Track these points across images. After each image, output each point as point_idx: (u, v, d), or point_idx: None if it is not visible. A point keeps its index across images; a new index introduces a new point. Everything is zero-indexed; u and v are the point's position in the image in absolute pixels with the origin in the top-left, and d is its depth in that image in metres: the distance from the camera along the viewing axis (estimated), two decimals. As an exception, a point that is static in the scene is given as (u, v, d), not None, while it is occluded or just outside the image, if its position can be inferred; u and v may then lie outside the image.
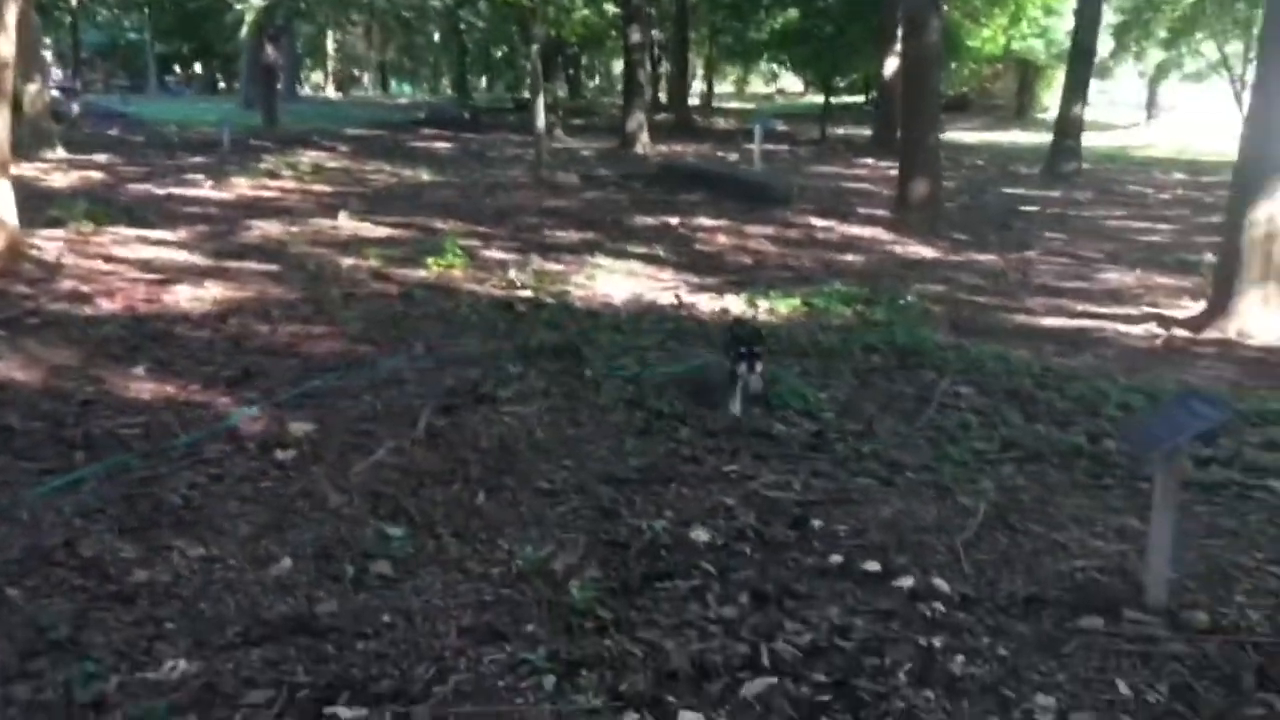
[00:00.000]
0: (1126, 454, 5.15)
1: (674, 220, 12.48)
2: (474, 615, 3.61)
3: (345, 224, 11.54)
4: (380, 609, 3.63)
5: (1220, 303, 8.22)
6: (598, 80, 59.14)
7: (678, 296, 8.85)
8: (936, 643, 3.45)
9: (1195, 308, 8.79)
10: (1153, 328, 8.45)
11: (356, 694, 3.14)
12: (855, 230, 12.70)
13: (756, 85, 62.42)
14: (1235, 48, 26.69)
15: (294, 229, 11.18)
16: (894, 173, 14.69)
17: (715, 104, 44.91)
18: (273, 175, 16.37)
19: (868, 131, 27.68)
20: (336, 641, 3.42)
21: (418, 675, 3.25)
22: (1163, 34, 29.17)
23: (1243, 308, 8.04)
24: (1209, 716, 3.11)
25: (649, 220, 12.50)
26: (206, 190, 14.49)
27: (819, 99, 33.25)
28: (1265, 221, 8.05)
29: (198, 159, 18.69)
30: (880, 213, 13.85)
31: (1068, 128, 21.27)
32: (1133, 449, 4.80)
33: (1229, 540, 4.37)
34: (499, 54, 40.38)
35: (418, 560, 3.99)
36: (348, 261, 9.44)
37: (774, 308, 8.49)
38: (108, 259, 9.23)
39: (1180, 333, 8.26)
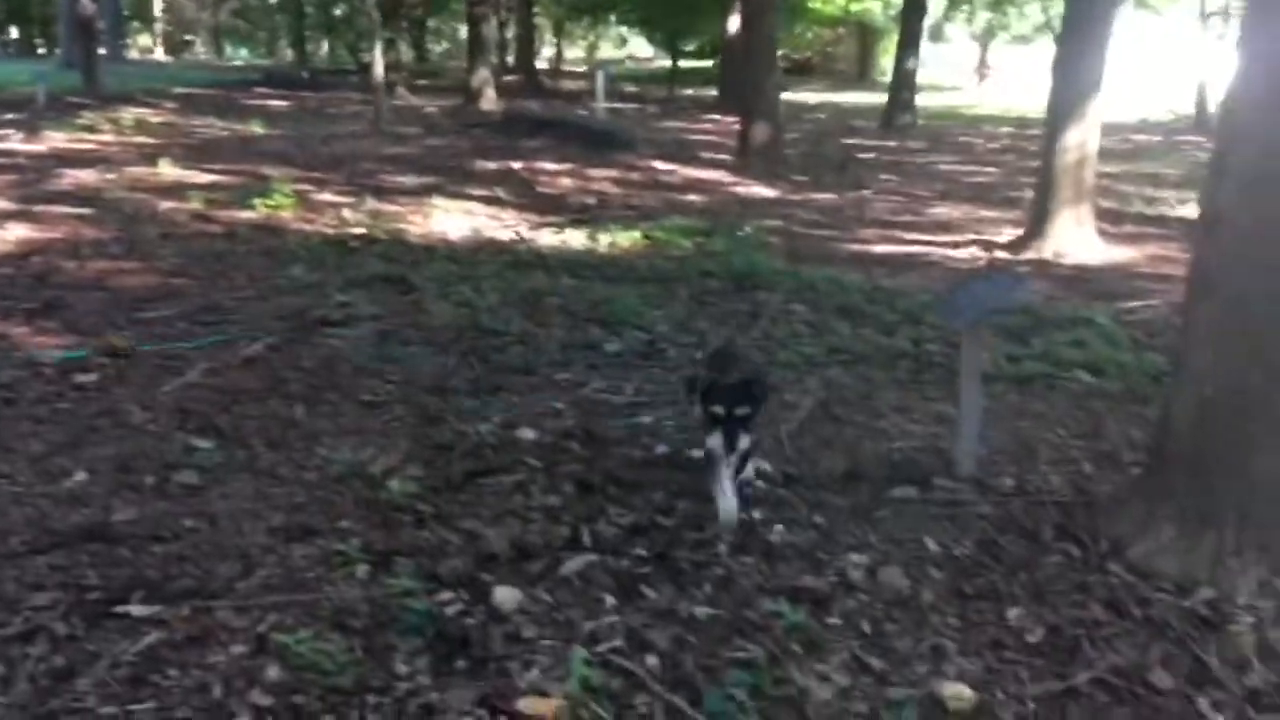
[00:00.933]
0: (945, 338, 5.34)
1: (516, 165, 12.30)
2: (285, 516, 3.46)
3: (167, 171, 10.93)
4: (182, 515, 3.44)
5: (1037, 225, 8.61)
6: (445, 46, 57.82)
7: (518, 233, 8.72)
8: (757, 515, 3.49)
9: (1016, 234, 9.17)
10: (976, 251, 8.78)
11: (152, 593, 2.97)
12: (698, 173, 12.78)
13: (607, 51, 62.16)
14: (1058, 9, 27.94)
15: (111, 176, 10.52)
16: (739, 126, 14.84)
17: (564, 68, 44.49)
18: (92, 129, 15.37)
19: (715, 92, 27.88)
20: (133, 546, 3.24)
21: (220, 573, 3.10)
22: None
23: (1057, 228, 8.44)
24: (1010, 565, 3.24)
25: (490, 165, 12.29)
26: (15, 144, 13.51)
27: (669, 64, 33.31)
28: (1076, 148, 8.45)
29: (9, 116, 17.38)
30: (723, 158, 14.00)
31: (902, 82, 21.94)
32: (944, 321, 4.96)
33: (1036, 421, 4.58)
34: (338, 12, 38.95)
35: (226, 469, 3.80)
36: (168, 205, 8.95)
37: (615, 241, 8.46)
38: (-103, 206, 8.51)
39: (1001, 254, 8.61)
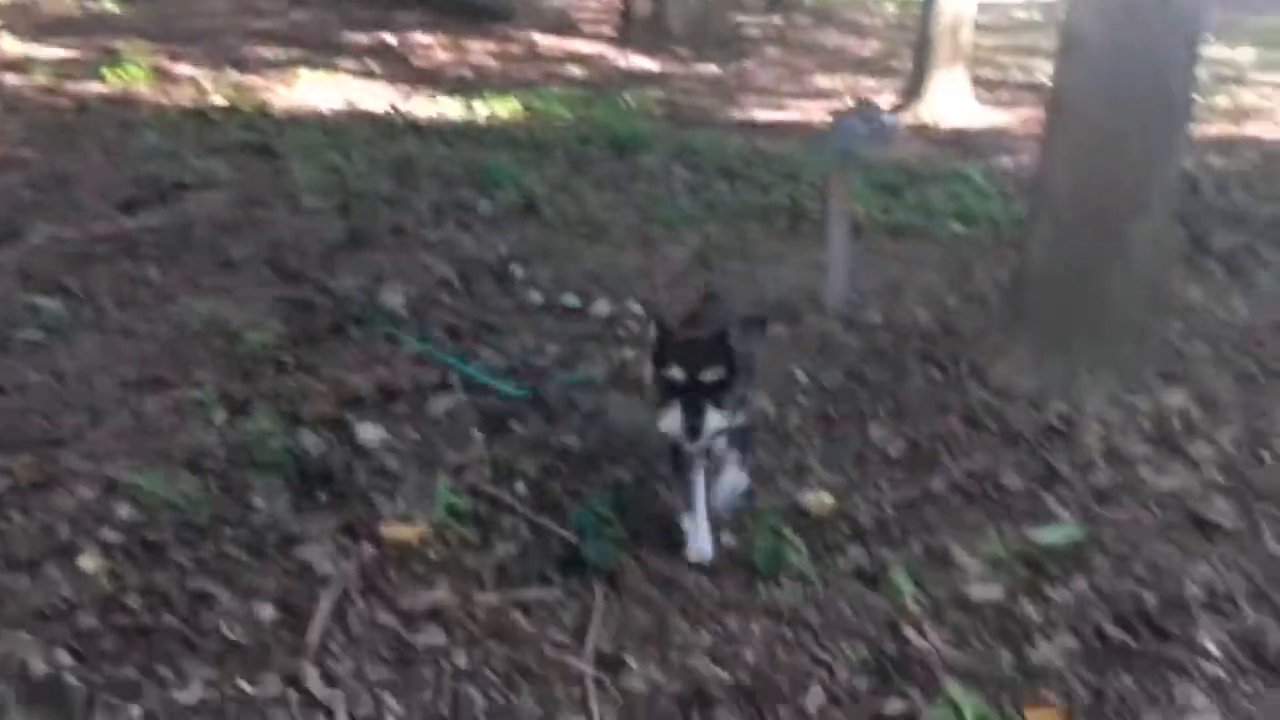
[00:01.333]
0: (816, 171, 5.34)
1: (390, 38, 11.78)
2: (137, 369, 3.32)
3: (10, 46, 10.15)
4: (24, 370, 3.27)
5: (915, 89, 8.66)
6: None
7: (393, 105, 8.39)
8: (627, 354, 3.48)
9: (896, 101, 9.20)
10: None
11: (-9, 446, 2.82)
12: (580, 46, 12.44)
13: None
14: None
15: (-54, 54, 9.75)
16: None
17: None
18: (-77, 8, 14.19)
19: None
20: (-30, 403, 3.06)
21: (67, 424, 2.97)
22: None
23: (933, 91, 8.51)
24: (875, 389, 3.30)
25: (362, 38, 11.72)
26: None
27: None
28: (952, 12, 8.48)
29: None
30: (607, 32, 13.65)
31: (789, -42, 21.63)
32: (811, 160, 4.98)
33: (907, 266, 4.64)
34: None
35: (74, 328, 3.61)
36: (11, 79, 8.34)
37: (493, 111, 8.21)
38: None
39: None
